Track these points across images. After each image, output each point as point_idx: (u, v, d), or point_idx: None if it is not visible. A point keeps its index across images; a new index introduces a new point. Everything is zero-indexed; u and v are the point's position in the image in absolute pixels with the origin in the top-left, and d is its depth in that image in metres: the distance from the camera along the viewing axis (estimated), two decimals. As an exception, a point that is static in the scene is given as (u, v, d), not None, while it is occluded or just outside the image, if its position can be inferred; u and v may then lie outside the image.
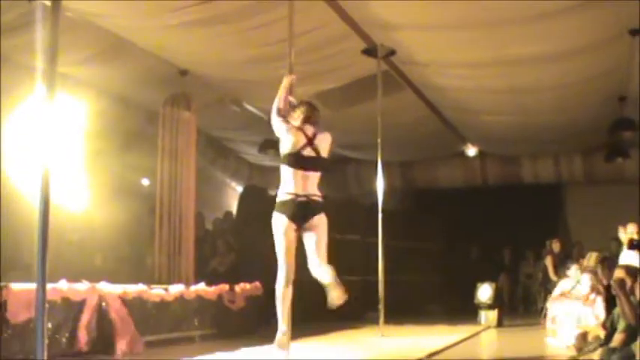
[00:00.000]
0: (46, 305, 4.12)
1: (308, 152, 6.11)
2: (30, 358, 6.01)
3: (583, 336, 7.91)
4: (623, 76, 9.76)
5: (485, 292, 12.12)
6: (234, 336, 9.45)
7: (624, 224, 10.20)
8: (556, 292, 11.38)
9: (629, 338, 6.14)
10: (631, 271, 6.77)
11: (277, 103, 6.32)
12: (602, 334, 6.91)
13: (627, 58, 8.98)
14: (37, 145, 4.40)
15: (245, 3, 7.79)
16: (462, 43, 8.84)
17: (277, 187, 6.37)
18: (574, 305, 10.22)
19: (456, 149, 15.09)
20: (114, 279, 8.24)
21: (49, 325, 6.66)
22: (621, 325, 6.27)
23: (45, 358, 4.01)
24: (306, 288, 11.66)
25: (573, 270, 11.15)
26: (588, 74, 9.87)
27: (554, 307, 10.91)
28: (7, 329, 6.44)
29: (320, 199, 6.23)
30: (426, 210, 16.60)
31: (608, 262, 9.18)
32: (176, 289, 8.89)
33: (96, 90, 10.39)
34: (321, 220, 6.25)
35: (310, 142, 6.11)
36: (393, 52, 9.36)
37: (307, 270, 12.70)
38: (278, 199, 6.15)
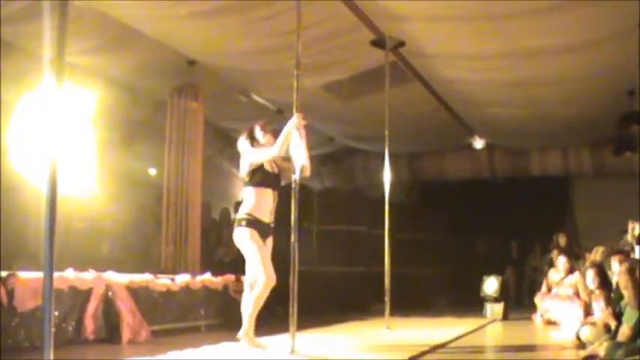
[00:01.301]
0: (53, 294, 4.13)
1: None
2: (37, 345, 6.04)
3: (591, 329, 7.91)
4: (633, 69, 9.71)
5: (491, 284, 12.13)
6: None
7: (635, 220, 10.24)
8: (544, 286, 11.50)
9: (636, 333, 6.12)
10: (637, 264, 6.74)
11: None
12: (612, 322, 6.87)
13: (637, 52, 8.93)
14: (45, 133, 4.41)
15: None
16: (470, 36, 8.81)
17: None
18: (569, 300, 10.41)
19: (463, 141, 15.06)
20: (120, 268, 8.28)
21: (56, 314, 6.71)
22: (629, 320, 6.25)
23: (52, 346, 4.03)
24: (311, 279, 11.70)
25: (562, 261, 11.27)
26: (597, 67, 9.83)
27: (547, 303, 11.05)
28: (15, 317, 6.48)
29: (238, 216, 6.58)
30: (432, 202, 16.60)
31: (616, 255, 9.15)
32: (182, 278, 8.92)
33: (103, 79, 10.38)
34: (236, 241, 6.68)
35: None
36: (401, 44, 9.33)
37: (313, 261, 12.73)
38: None
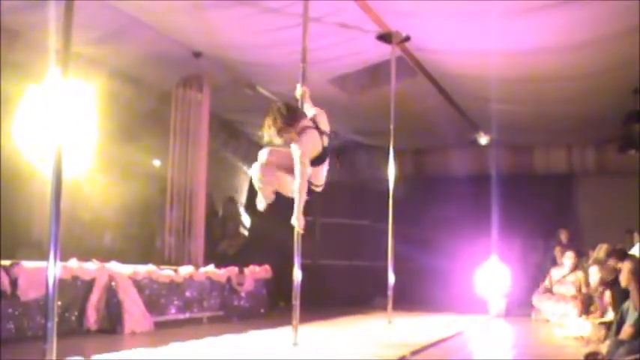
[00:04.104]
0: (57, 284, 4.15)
1: None
2: (39, 335, 6.07)
3: (593, 327, 7.92)
4: (638, 67, 9.68)
5: (494, 281, 12.15)
6: (243, 318, 9.51)
7: None
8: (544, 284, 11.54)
9: (637, 332, 6.13)
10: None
11: None
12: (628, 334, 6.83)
13: (644, 50, 8.91)
14: (50, 123, 4.42)
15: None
16: (476, 31, 8.79)
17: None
18: (563, 301, 10.48)
19: (468, 137, 15.03)
20: (124, 259, 8.30)
21: (59, 303, 6.73)
22: (630, 318, 6.25)
23: (54, 335, 4.04)
24: (314, 272, 11.70)
25: (569, 256, 11.30)
26: (603, 65, 9.80)
27: (543, 305, 11.12)
28: (18, 306, 6.51)
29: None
30: (436, 197, 16.56)
31: (615, 254, 9.17)
32: (185, 270, 8.94)
33: (108, 69, 10.39)
34: None
35: None
36: (407, 39, 9.31)
37: (315, 255, 12.73)
38: None
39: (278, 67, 10.24)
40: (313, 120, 6.15)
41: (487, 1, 7.84)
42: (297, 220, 6.06)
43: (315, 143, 6.01)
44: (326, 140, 6.15)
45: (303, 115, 6.18)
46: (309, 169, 5.96)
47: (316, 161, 6.03)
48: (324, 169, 6.22)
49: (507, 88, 11.06)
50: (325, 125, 6.24)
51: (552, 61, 9.62)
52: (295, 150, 5.88)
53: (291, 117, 5.95)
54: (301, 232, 6.23)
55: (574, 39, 8.82)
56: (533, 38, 8.89)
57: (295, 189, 5.94)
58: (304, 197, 5.99)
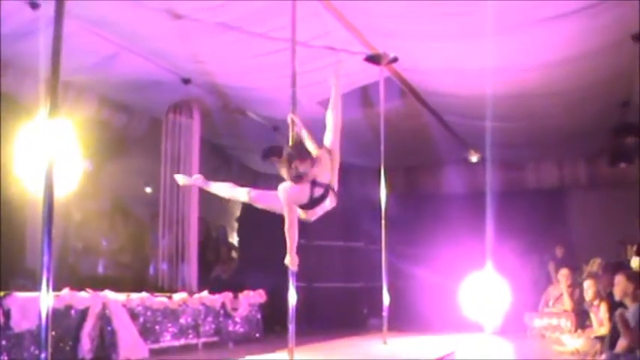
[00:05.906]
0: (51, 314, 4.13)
1: None
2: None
3: (588, 341, 7.91)
4: (627, 81, 9.75)
5: (489, 298, 12.14)
6: (238, 343, 9.47)
7: None
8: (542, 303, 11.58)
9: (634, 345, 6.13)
10: (632, 276, 6.76)
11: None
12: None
13: (630, 64, 8.97)
14: (42, 152, 4.42)
15: (248, 11, 7.81)
16: (464, 50, 8.84)
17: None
18: (555, 318, 10.53)
19: (459, 155, 15.07)
20: (117, 286, 8.27)
21: (53, 334, 6.68)
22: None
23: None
24: (309, 295, 11.66)
25: (563, 273, 11.34)
26: (591, 79, 9.85)
27: (537, 322, 11.16)
28: (12, 338, 6.46)
29: None
30: (429, 216, 16.56)
31: (610, 268, 9.20)
32: (179, 296, 8.91)
33: (99, 97, 10.41)
34: None
35: None
36: (395, 59, 9.37)
37: (310, 277, 12.70)
38: None
39: (267, 91, 10.27)
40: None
41: (474, 19, 7.89)
42: (291, 260, 6.08)
43: (296, 196, 5.95)
44: (319, 191, 6.04)
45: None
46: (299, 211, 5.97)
47: (304, 207, 6.01)
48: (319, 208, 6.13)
49: (497, 105, 11.10)
50: (323, 174, 6.11)
51: (541, 76, 9.67)
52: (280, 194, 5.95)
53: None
54: (295, 269, 6.25)
55: (562, 54, 8.87)
56: (522, 55, 8.94)
57: (286, 231, 5.93)
58: (295, 239, 5.99)
